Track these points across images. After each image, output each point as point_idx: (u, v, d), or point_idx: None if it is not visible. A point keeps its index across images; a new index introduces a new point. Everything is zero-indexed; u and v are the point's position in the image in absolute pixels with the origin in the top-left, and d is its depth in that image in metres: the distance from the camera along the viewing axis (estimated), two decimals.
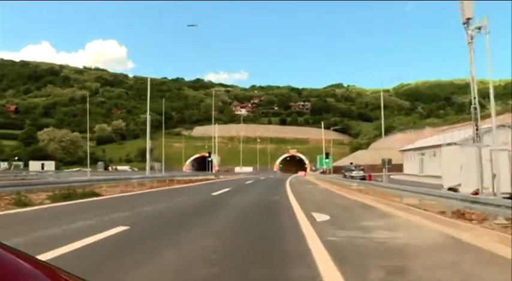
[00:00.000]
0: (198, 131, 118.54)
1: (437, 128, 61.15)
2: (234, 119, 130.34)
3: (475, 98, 16.22)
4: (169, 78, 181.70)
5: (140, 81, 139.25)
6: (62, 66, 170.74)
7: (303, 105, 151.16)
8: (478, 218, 9.57)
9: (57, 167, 78.22)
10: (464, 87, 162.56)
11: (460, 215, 9.79)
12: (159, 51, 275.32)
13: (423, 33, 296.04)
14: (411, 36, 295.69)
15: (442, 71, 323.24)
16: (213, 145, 56.34)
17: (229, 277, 4.05)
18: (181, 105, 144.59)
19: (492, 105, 14.16)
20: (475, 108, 15.94)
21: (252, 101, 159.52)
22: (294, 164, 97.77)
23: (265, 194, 17.77)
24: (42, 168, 74.82)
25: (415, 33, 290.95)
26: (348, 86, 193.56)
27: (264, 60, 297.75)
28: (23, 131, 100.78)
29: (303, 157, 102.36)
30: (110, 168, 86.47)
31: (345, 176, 38.80)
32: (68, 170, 70.23)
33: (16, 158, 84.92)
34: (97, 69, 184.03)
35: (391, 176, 28.43)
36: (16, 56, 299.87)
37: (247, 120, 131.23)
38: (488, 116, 19.25)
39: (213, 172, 52.78)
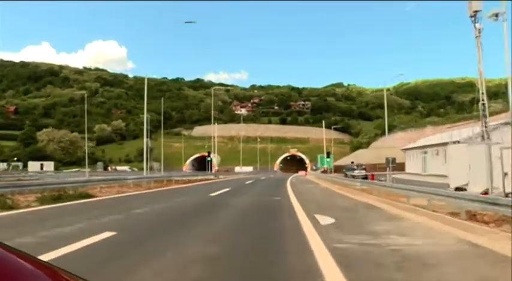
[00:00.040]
0: (198, 130, 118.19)
1: (438, 126, 60.56)
2: (234, 119, 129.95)
3: (483, 93, 15.60)
4: (169, 78, 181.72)
5: (140, 81, 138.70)
6: (61, 67, 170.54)
7: (303, 105, 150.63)
8: (490, 220, 9.00)
9: (56, 168, 77.97)
10: (464, 86, 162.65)
11: (470, 216, 9.22)
12: (159, 51, 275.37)
13: (423, 33, 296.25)
14: (411, 36, 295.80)
15: (441, 70, 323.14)
16: (212, 144, 55.78)
17: None
18: (181, 105, 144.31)
19: (510, 99, 13.49)
20: (484, 104, 15.32)
21: (252, 101, 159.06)
22: (294, 164, 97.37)
23: (266, 195, 17.22)
24: (41, 169, 74.48)
25: (415, 33, 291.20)
26: (348, 85, 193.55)
27: (264, 60, 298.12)
28: (23, 132, 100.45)
29: (303, 156, 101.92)
30: (109, 168, 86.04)
31: (346, 176, 38.34)
32: (67, 170, 69.73)
33: (15, 158, 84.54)
34: (97, 69, 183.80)
35: (393, 176, 27.89)
36: (16, 57, 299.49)
37: (247, 119, 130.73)
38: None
39: (213, 171, 52.20)
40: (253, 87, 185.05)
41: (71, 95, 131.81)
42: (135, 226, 7.61)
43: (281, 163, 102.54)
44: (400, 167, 42.33)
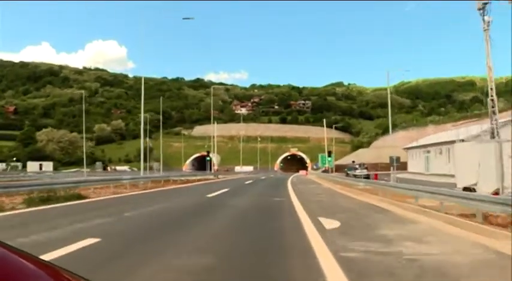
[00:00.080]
0: (198, 130, 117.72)
1: (440, 125, 59.88)
2: (234, 118, 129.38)
3: (491, 89, 14.99)
4: (169, 78, 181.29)
5: (140, 81, 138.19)
6: (61, 67, 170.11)
7: (303, 104, 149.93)
8: (504, 222, 8.44)
9: (55, 168, 77.39)
10: (465, 85, 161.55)
11: (484, 218, 8.67)
12: (159, 51, 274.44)
13: (423, 32, 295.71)
14: (411, 35, 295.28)
15: (442, 69, 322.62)
16: (212, 144, 55.22)
17: None
18: (181, 104, 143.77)
19: None
20: (492, 100, 14.69)
21: (252, 100, 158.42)
22: (294, 163, 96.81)
23: (266, 195, 16.64)
24: (40, 169, 73.84)
25: (415, 32, 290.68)
26: (349, 84, 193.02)
27: (264, 59, 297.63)
28: (22, 132, 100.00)
29: (303, 155, 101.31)
30: (108, 168, 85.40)
31: (347, 175, 37.84)
32: (66, 170, 69.16)
33: (14, 158, 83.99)
34: (97, 69, 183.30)
35: (397, 175, 27.30)
36: (16, 57, 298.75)
37: (247, 119, 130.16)
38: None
39: (212, 171, 51.62)
40: (253, 86, 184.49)
41: (71, 95, 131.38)
42: (123, 231, 6.99)
43: (281, 162, 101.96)
44: (403, 167, 41.76)
